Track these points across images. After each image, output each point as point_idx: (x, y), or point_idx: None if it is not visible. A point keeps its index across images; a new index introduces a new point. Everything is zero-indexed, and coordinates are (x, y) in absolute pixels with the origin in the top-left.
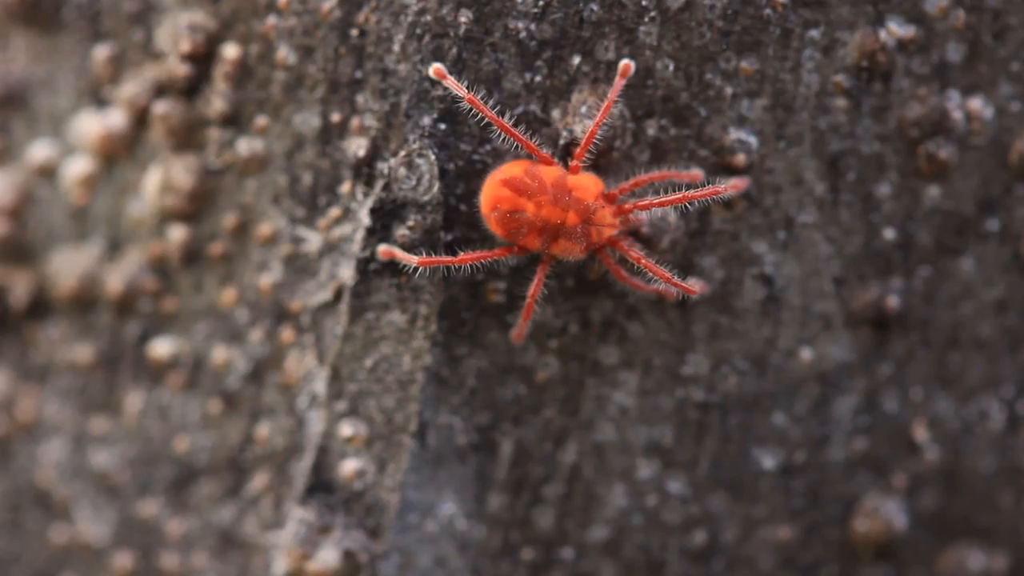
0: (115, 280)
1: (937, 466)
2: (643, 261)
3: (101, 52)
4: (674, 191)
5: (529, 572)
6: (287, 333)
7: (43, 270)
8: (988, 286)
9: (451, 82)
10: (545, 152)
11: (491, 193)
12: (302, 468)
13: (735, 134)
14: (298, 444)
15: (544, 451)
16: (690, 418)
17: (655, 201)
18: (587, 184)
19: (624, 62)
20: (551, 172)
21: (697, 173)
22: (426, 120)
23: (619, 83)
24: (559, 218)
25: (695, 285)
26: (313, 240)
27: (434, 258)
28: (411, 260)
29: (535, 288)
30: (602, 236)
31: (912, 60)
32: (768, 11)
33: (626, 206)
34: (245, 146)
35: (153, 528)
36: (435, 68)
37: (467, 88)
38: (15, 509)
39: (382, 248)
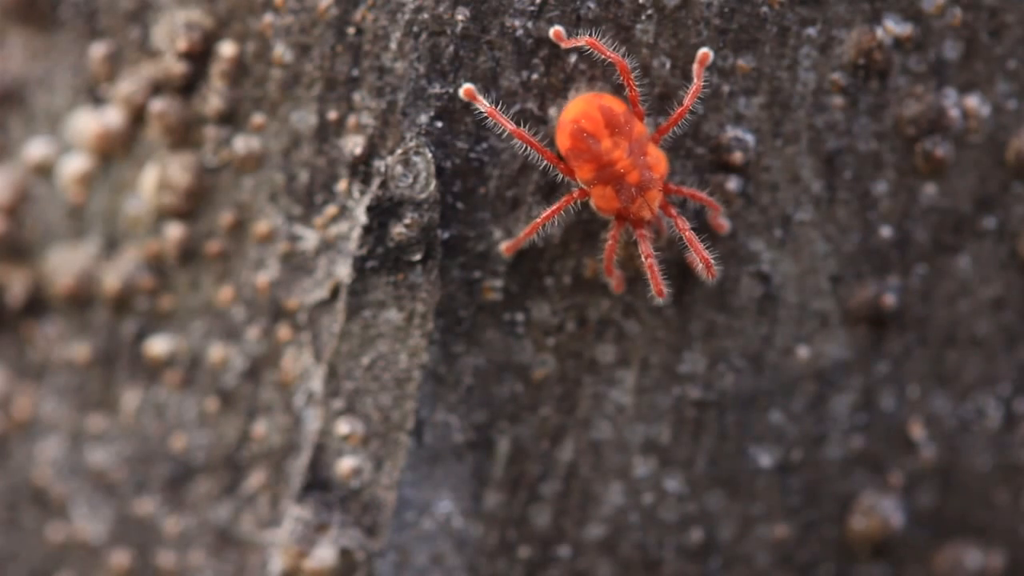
0: (112, 278)
1: (934, 464)
2: (650, 260)
3: (98, 50)
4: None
5: (526, 570)
6: (284, 331)
7: (40, 268)
8: (985, 284)
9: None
10: (643, 108)
11: (583, 109)
12: (299, 466)
13: (732, 132)
14: (295, 442)
15: (541, 449)
16: (687, 416)
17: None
18: (660, 160)
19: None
20: (640, 128)
21: (717, 208)
22: (423, 118)
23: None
24: (624, 168)
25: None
26: (310, 238)
27: (523, 133)
28: (492, 112)
29: (551, 212)
30: (639, 212)
31: (909, 58)
32: (765, 9)
33: (671, 209)
34: (242, 144)
35: (150, 526)
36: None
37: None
38: (12, 507)
39: (466, 87)
